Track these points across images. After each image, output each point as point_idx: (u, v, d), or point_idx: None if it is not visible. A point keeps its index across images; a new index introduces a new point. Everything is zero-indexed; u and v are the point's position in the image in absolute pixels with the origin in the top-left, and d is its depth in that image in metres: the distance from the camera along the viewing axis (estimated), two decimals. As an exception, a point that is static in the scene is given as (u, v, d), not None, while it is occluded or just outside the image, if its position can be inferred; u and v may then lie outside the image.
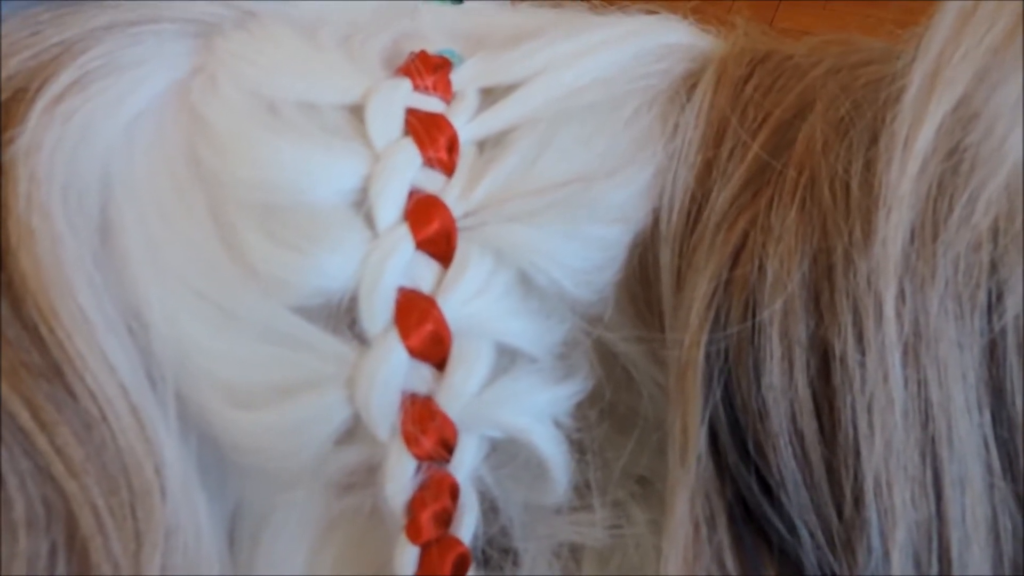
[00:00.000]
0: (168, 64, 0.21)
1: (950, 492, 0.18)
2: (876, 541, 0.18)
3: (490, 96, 0.21)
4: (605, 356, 0.21)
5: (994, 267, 0.18)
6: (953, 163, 0.18)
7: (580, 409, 0.20)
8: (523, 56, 0.21)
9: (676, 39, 0.22)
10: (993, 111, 0.18)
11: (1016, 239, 0.18)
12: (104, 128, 0.20)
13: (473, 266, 0.19)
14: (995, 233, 0.18)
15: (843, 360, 0.18)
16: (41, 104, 0.20)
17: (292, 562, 0.20)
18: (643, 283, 0.21)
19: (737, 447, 0.19)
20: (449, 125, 0.20)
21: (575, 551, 0.21)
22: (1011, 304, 0.18)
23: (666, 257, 0.20)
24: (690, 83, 0.22)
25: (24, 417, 0.18)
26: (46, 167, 0.19)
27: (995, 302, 0.18)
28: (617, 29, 0.22)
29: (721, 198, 0.20)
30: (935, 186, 0.18)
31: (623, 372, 0.21)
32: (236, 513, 0.21)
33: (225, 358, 0.19)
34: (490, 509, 0.20)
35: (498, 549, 0.21)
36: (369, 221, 0.19)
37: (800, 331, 0.18)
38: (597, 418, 0.21)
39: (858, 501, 0.18)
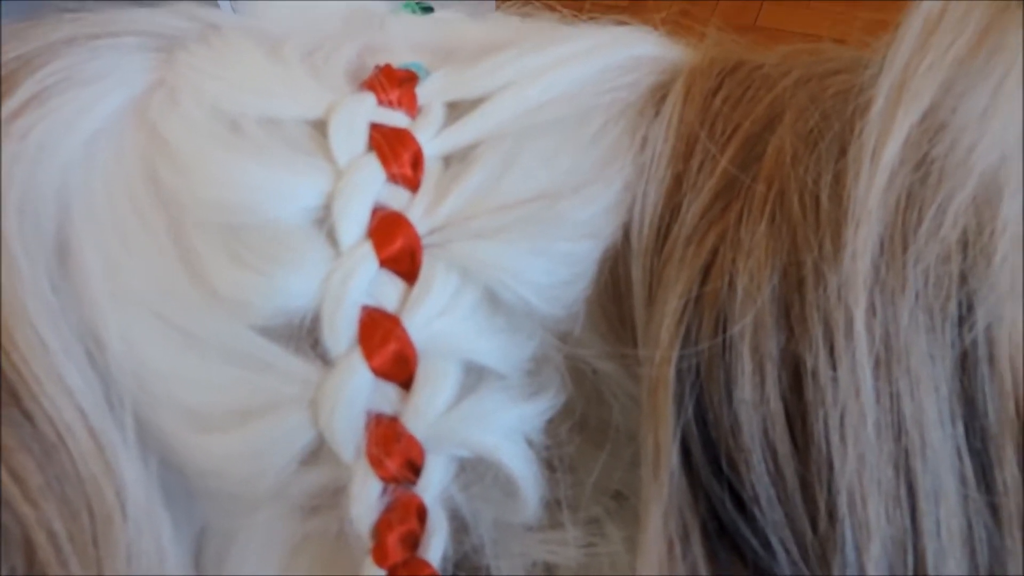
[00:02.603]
0: (128, 79, 0.21)
1: (924, 505, 0.18)
2: (851, 555, 0.18)
3: (456, 110, 0.21)
4: (576, 371, 0.21)
5: (964, 278, 0.18)
6: (921, 175, 0.18)
7: (551, 425, 0.20)
8: (489, 70, 0.21)
9: (645, 51, 0.22)
10: (959, 122, 0.18)
11: (985, 250, 0.17)
12: (62, 145, 0.20)
13: (438, 284, 0.19)
14: (964, 244, 0.18)
15: (815, 374, 0.18)
16: None
17: (258, 586, 0.20)
18: (614, 298, 0.21)
19: (710, 463, 0.18)
20: (414, 140, 0.20)
21: (549, 570, 0.21)
22: (981, 315, 0.17)
23: (637, 272, 0.20)
24: (659, 96, 0.21)
25: None
26: (3, 185, 0.19)
27: (966, 313, 0.18)
28: (585, 42, 0.22)
29: (691, 212, 0.20)
30: (903, 198, 0.18)
31: (594, 387, 0.21)
32: (201, 536, 0.21)
33: (186, 381, 0.19)
34: (461, 528, 0.20)
35: (469, 569, 0.20)
36: (332, 239, 0.19)
37: (771, 346, 0.18)
38: (568, 434, 0.20)
39: (832, 515, 0.18)
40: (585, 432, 0.21)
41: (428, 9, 0.25)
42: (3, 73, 0.21)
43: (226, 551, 0.20)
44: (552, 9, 0.24)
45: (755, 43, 0.24)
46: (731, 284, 0.19)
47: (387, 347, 0.18)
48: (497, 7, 0.26)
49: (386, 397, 0.19)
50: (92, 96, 0.20)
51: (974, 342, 0.18)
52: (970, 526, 0.18)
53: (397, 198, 0.20)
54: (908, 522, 0.18)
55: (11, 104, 0.20)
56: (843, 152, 0.19)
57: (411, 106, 0.21)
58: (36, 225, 0.19)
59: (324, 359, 0.19)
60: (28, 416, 0.18)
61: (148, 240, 0.19)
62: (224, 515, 0.20)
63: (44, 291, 0.18)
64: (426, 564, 0.18)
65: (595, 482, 0.21)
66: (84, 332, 0.19)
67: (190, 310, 0.19)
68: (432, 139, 0.20)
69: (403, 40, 0.23)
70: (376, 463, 0.18)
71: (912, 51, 0.18)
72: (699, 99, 0.21)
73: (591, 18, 0.24)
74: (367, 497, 0.18)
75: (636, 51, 0.22)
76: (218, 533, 0.21)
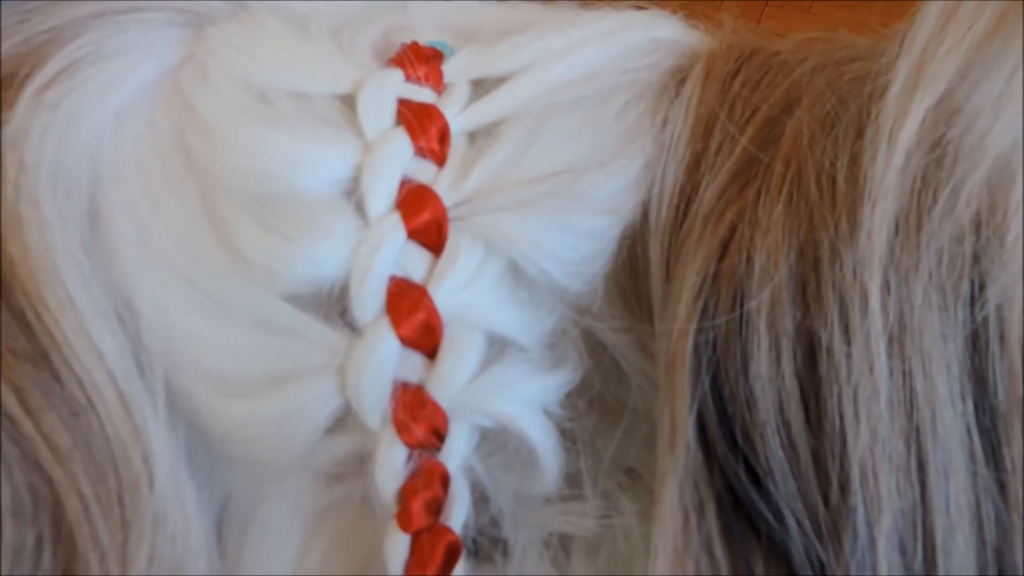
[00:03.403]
0: (157, 53, 0.21)
1: (934, 480, 0.18)
2: (862, 529, 0.18)
3: (481, 88, 0.21)
4: (594, 347, 0.21)
5: (976, 258, 0.18)
6: (936, 156, 0.18)
7: (570, 399, 0.21)
8: (514, 49, 0.21)
9: (665, 35, 0.23)
10: (975, 106, 0.18)
11: (997, 231, 0.18)
12: (92, 116, 0.20)
13: (464, 256, 0.19)
14: (977, 225, 0.18)
15: (829, 350, 0.18)
16: (29, 91, 0.20)
17: (282, 552, 0.20)
18: (632, 275, 0.21)
19: (725, 436, 0.19)
20: (441, 116, 0.20)
21: (564, 541, 0.21)
22: (993, 295, 0.18)
23: (655, 249, 0.20)
24: (679, 78, 0.22)
25: (11, 403, 0.18)
26: (34, 154, 0.19)
27: (978, 293, 0.18)
28: (606, 24, 0.22)
29: (709, 191, 0.20)
30: (919, 179, 0.18)
31: (612, 363, 0.21)
32: (225, 503, 0.21)
33: (214, 347, 0.19)
34: (480, 499, 0.20)
35: (488, 539, 0.21)
36: (360, 210, 0.19)
37: (787, 322, 0.19)
38: (586, 408, 0.21)
39: (844, 489, 0.18)
40: (602, 408, 0.21)
41: (448, -6, 0.26)
42: (34, 45, 0.21)
43: (250, 518, 0.21)
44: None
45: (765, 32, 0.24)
46: (748, 261, 0.19)
47: (415, 316, 0.19)
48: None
49: (412, 366, 0.19)
50: (122, 68, 0.21)
51: (985, 321, 0.18)
52: (978, 502, 0.18)
53: (424, 171, 0.20)
54: (918, 497, 0.18)
55: (42, 76, 0.20)
56: (860, 134, 0.20)
57: (438, 83, 0.21)
58: (68, 193, 0.19)
59: (352, 328, 0.19)
60: (58, 378, 0.18)
61: (178, 207, 0.20)
62: (249, 483, 0.21)
63: (76, 256, 0.19)
64: (448, 530, 0.19)
65: (611, 457, 0.21)
66: (115, 297, 0.19)
67: (219, 276, 0.19)
68: (458, 115, 0.21)
69: (426, 22, 0.24)
70: (402, 429, 0.19)
71: (930, 37, 0.19)
72: (718, 82, 0.22)
73: (610, 4, 0.24)
74: (393, 463, 0.19)
75: (656, 34, 0.22)
76: (242, 500, 0.21)
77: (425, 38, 0.23)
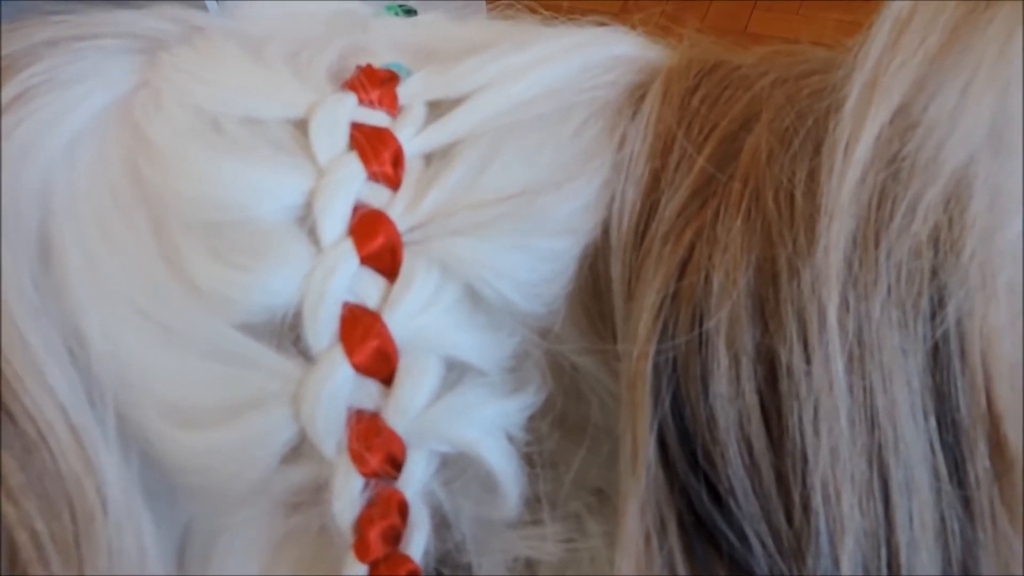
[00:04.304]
0: (111, 80, 0.21)
1: (897, 498, 0.18)
2: (825, 548, 0.18)
3: (437, 110, 0.21)
4: (556, 368, 0.21)
5: (935, 274, 0.18)
6: (893, 171, 0.18)
7: (532, 422, 0.20)
8: (470, 69, 0.21)
9: (624, 51, 0.22)
10: (930, 120, 0.18)
11: (955, 246, 0.18)
12: (44, 145, 0.20)
13: (419, 280, 0.19)
14: (935, 240, 0.18)
15: (789, 368, 0.18)
16: None
17: (241, 582, 0.20)
18: (594, 294, 0.21)
19: (686, 456, 0.19)
20: (394, 139, 0.20)
21: (530, 566, 0.21)
22: (952, 310, 0.18)
23: (616, 268, 0.20)
24: (637, 95, 0.22)
25: None
26: None
27: (937, 308, 0.18)
28: (565, 41, 0.22)
29: (668, 210, 0.20)
30: (876, 194, 0.18)
31: (573, 383, 0.21)
32: (185, 533, 0.21)
33: (168, 377, 0.19)
34: (442, 524, 0.20)
35: (451, 566, 0.20)
36: (313, 237, 0.19)
37: (746, 340, 0.18)
38: (548, 430, 0.20)
39: (807, 508, 0.18)
40: (564, 428, 0.21)
41: (411, 12, 0.25)
42: (-14, 73, 0.21)
43: (211, 548, 0.20)
44: (535, 12, 0.25)
45: (743, 48, 0.24)
46: (707, 279, 0.19)
47: (368, 343, 0.19)
48: (488, 9, 0.26)
49: (367, 393, 0.19)
50: (75, 97, 0.21)
51: (945, 336, 0.18)
52: (943, 519, 0.18)
53: (378, 196, 0.20)
54: (881, 515, 0.18)
55: None
56: (817, 150, 0.20)
57: (392, 105, 0.21)
58: (18, 224, 0.19)
59: (306, 356, 0.19)
60: (9, 414, 0.18)
61: (130, 237, 0.19)
62: (207, 513, 0.20)
63: (26, 289, 0.18)
64: (408, 559, 0.19)
65: (574, 478, 0.21)
66: (66, 329, 0.19)
67: (172, 307, 0.19)
68: (413, 138, 0.20)
69: (385, 41, 0.24)
70: (358, 458, 0.18)
71: (883, 50, 0.19)
72: (677, 98, 0.21)
73: (571, 19, 0.24)
74: (349, 492, 0.18)
75: (615, 51, 0.22)
76: (202, 531, 0.21)
77: (382, 59, 0.23)
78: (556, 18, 0.25)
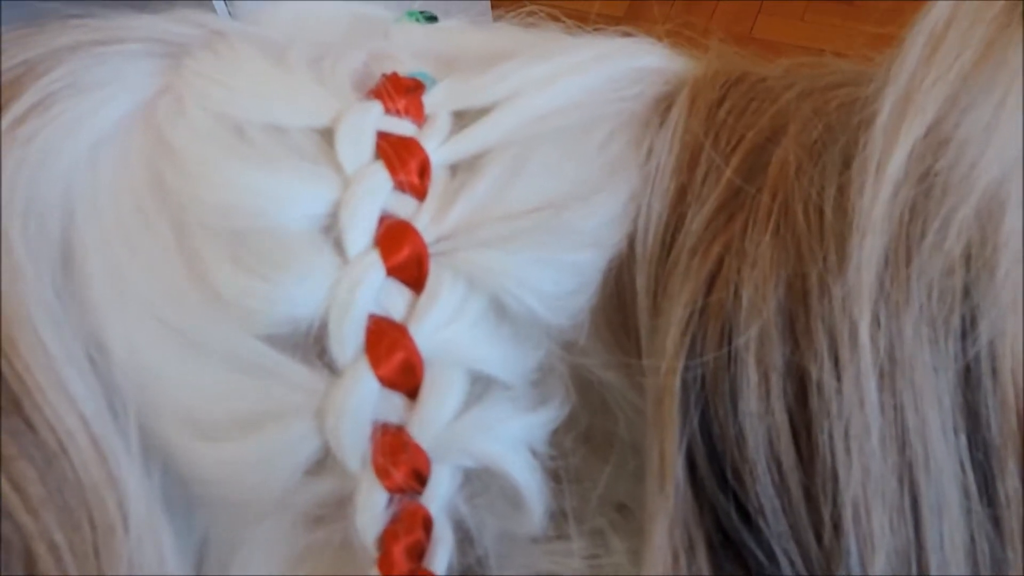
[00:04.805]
0: (133, 85, 0.21)
1: (928, 518, 0.18)
2: (856, 568, 0.18)
3: (462, 119, 0.21)
4: (581, 382, 0.21)
5: (967, 292, 0.18)
6: (925, 188, 0.18)
7: (556, 436, 0.20)
8: (496, 79, 0.21)
9: (649, 62, 0.22)
10: (963, 136, 0.18)
11: (988, 264, 0.18)
12: (66, 151, 0.20)
13: (445, 292, 0.19)
14: (967, 259, 0.18)
15: (819, 386, 0.18)
16: (2, 126, 0.19)
17: (261, 597, 0.20)
18: (619, 308, 0.21)
19: (715, 474, 0.18)
20: (421, 149, 0.20)
21: (552, 581, 0.21)
22: (984, 329, 0.18)
23: (641, 282, 0.20)
24: (663, 106, 0.21)
25: None
26: (6, 191, 0.19)
27: (969, 327, 0.18)
28: (590, 52, 0.22)
29: (695, 223, 0.20)
30: (907, 211, 0.18)
31: (599, 397, 0.21)
32: (203, 546, 0.21)
33: (190, 388, 0.19)
34: (465, 539, 0.20)
35: (473, 581, 0.20)
36: (339, 247, 0.19)
37: (776, 357, 0.18)
38: (573, 445, 0.20)
39: (837, 528, 0.18)
40: (590, 444, 0.21)
41: (432, 18, 0.25)
42: (7, 79, 0.20)
43: (229, 561, 0.20)
44: (556, 19, 0.25)
45: (752, 55, 0.24)
46: (736, 295, 0.19)
47: (394, 356, 0.18)
48: (493, 12, 0.26)
49: (392, 406, 0.19)
50: (97, 102, 0.20)
51: (977, 355, 0.18)
52: (973, 539, 0.18)
53: (404, 206, 0.19)
54: (912, 534, 0.18)
55: (15, 110, 0.20)
56: (847, 164, 0.19)
57: (418, 115, 0.21)
58: (40, 230, 0.19)
59: (330, 368, 0.19)
60: (29, 424, 0.18)
61: (152, 245, 0.19)
62: (227, 525, 0.20)
63: (48, 297, 0.18)
64: (431, 575, 0.18)
65: (600, 494, 0.21)
66: (87, 338, 0.19)
67: (194, 316, 0.19)
68: (439, 148, 0.20)
69: (408, 49, 0.23)
70: (382, 473, 0.18)
71: (917, 65, 0.18)
72: (703, 110, 0.21)
73: (596, 29, 0.24)
74: (373, 507, 0.18)
75: (641, 62, 0.22)
76: (221, 543, 0.20)
77: (406, 67, 0.22)
78: (579, 27, 0.25)
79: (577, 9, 0.26)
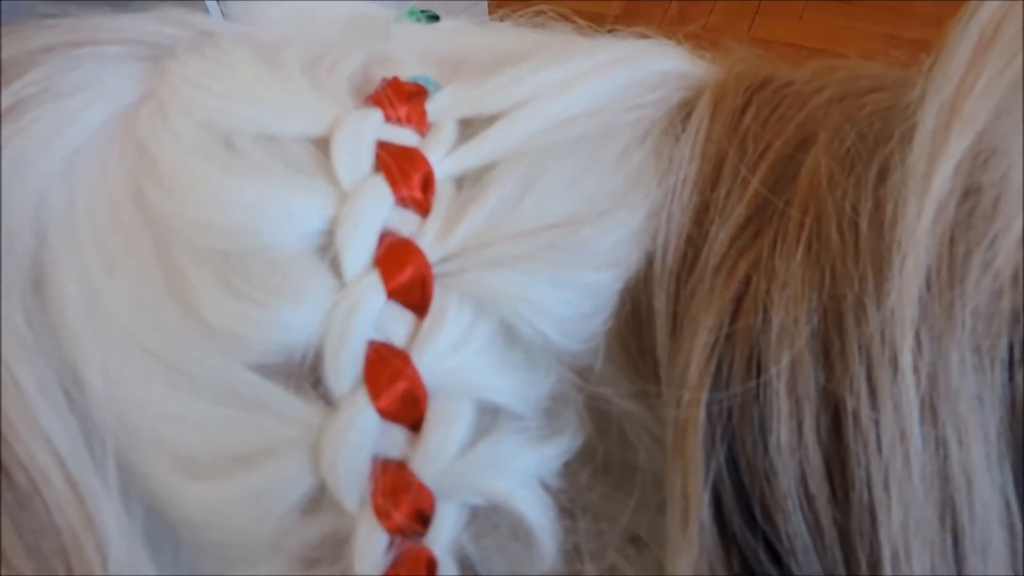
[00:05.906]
0: (112, 91, 0.19)
1: (972, 559, 0.17)
2: None
3: (469, 128, 0.20)
4: (596, 410, 0.19)
5: (1016, 317, 0.17)
6: (972, 204, 0.17)
7: (570, 469, 0.19)
8: (505, 84, 0.20)
9: (670, 66, 0.21)
10: (1014, 148, 0.17)
11: (1040, 287, 0.16)
12: (39, 162, 0.18)
13: (451, 317, 0.18)
14: (1017, 280, 0.17)
15: (856, 417, 0.17)
16: None
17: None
18: (635, 330, 0.19)
19: (743, 512, 0.17)
20: (424, 160, 0.19)
21: (564, 621, 0.20)
22: (1035, 356, 0.16)
23: (661, 302, 0.19)
24: (684, 113, 0.20)
25: None
26: None
27: (1018, 355, 0.17)
28: (607, 55, 0.21)
29: (720, 239, 0.19)
30: (953, 229, 0.17)
31: (617, 427, 0.20)
32: (190, 587, 0.19)
33: (175, 422, 0.17)
34: (471, 580, 0.19)
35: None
36: (335, 268, 0.18)
37: (809, 385, 0.17)
38: (590, 480, 0.19)
39: (874, 570, 0.17)
40: (609, 476, 0.20)
41: (434, 18, 0.24)
42: (-23, 82, 0.19)
43: (217, 605, 0.19)
44: (567, 19, 0.23)
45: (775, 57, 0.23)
46: (766, 319, 0.17)
47: (395, 386, 0.17)
48: (493, 13, 0.25)
49: (393, 440, 0.17)
50: (73, 109, 0.19)
51: (1025, 384, 0.16)
52: (1018, 579, 0.17)
53: (406, 223, 0.18)
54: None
55: None
56: (882, 175, 0.18)
57: (421, 123, 0.19)
58: (9, 252, 0.17)
59: (326, 399, 0.17)
60: (0, 465, 0.16)
61: (133, 267, 0.18)
62: (216, 567, 0.19)
63: (17, 325, 0.17)
64: (436, 622, 0.17)
65: (619, 529, 0.19)
66: (62, 369, 0.17)
67: (179, 344, 0.17)
68: (444, 159, 0.19)
69: (410, 50, 0.22)
70: (382, 514, 0.17)
71: (965, 71, 0.17)
72: (727, 117, 0.20)
73: (611, 30, 0.22)
74: (372, 550, 0.17)
75: (661, 66, 0.21)
76: (209, 585, 0.19)
77: (408, 70, 0.21)
78: (592, 28, 0.23)
79: (578, 9, 0.25)
